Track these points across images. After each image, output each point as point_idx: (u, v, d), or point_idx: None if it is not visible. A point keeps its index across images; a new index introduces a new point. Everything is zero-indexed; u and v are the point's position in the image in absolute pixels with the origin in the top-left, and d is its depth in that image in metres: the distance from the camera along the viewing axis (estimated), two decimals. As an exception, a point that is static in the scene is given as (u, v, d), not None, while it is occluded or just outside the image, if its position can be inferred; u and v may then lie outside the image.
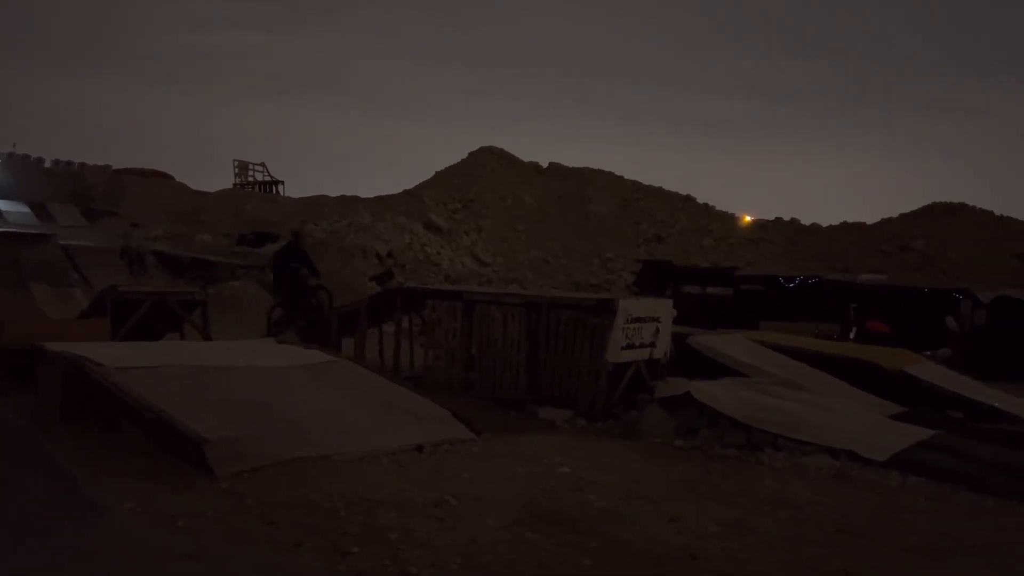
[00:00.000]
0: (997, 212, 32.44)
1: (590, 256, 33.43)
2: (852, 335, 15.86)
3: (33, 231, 21.27)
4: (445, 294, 10.72)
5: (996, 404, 9.88)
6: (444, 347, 10.41)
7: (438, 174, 39.84)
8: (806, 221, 35.88)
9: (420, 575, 4.07)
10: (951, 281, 23.44)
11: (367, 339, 11.28)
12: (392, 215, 30.48)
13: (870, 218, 35.53)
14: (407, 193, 38.36)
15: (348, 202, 35.43)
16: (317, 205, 34.11)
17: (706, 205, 37.53)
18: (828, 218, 52.36)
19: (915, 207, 34.07)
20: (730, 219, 36.67)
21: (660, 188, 38.23)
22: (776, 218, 36.31)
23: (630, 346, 9.29)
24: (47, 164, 30.31)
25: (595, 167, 39.27)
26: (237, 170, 40.22)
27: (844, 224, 35.11)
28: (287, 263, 12.66)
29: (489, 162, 37.86)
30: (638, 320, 9.44)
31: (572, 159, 42.28)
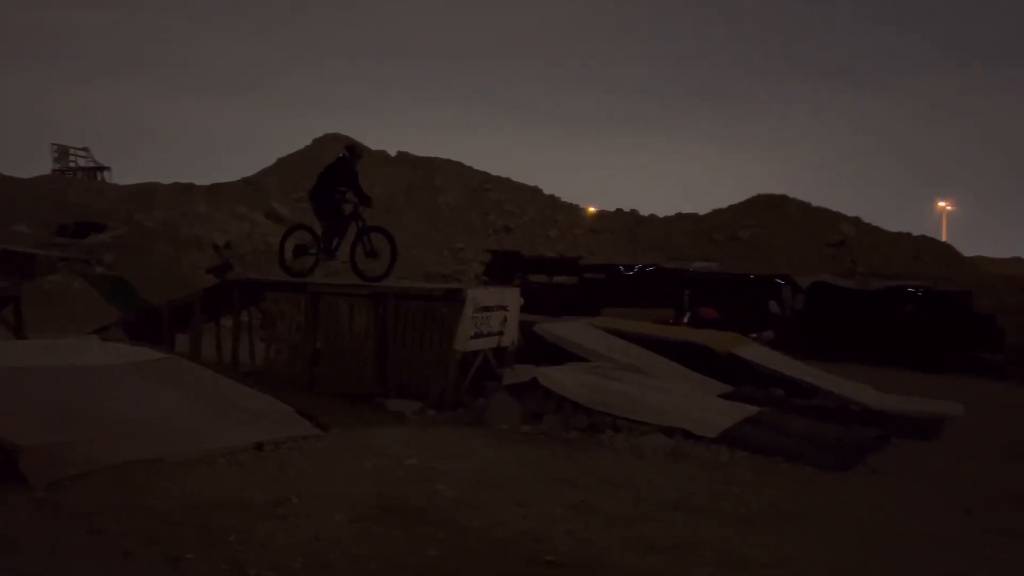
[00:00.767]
0: (814, 204, 35.18)
1: (441, 246, 33.43)
2: (686, 319, 16.82)
3: None
4: (287, 286, 10.39)
5: (813, 381, 10.78)
6: (287, 341, 10.10)
7: (280, 161, 38.58)
8: (644, 212, 37.52)
9: (260, 577, 3.93)
10: (774, 268, 25.23)
11: (203, 335, 10.78)
12: (230, 204, 29.20)
13: (702, 209, 37.72)
14: (246, 181, 36.86)
15: (182, 190, 33.63)
16: (148, 193, 32.18)
17: (552, 196, 38.43)
18: (664, 209, 54.97)
19: (743, 198, 36.40)
20: (575, 210, 37.73)
21: (508, 179, 38.80)
22: (617, 209, 37.74)
23: (479, 335, 9.38)
24: None
25: (444, 156, 39.34)
26: (56, 155, 37.48)
27: (679, 215, 36.98)
28: (331, 185, 10.45)
29: (335, 149, 37.17)
30: (486, 309, 9.54)
31: (421, 149, 41.94)
